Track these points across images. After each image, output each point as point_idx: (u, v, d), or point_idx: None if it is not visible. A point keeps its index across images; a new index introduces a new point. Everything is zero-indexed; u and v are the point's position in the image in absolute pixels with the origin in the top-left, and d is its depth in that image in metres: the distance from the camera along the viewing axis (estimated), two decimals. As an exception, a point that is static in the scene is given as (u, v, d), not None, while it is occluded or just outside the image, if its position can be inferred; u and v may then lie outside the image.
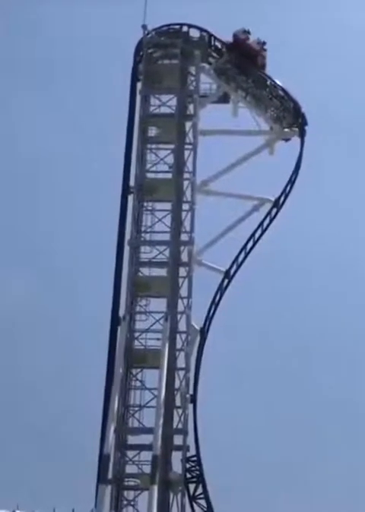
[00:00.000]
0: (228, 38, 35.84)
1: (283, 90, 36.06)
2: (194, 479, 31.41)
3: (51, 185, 48.91)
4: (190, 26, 35.72)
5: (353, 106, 47.54)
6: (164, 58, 35.46)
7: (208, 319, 33.79)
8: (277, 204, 35.23)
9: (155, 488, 28.03)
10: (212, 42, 35.86)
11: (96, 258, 39.67)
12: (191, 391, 31.97)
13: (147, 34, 35.37)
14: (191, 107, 34.96)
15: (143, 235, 33.34)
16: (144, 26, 35.06)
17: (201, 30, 35.75)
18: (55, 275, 46.53)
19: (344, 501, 35.96)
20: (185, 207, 33.57)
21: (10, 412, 40.25)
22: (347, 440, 41.05)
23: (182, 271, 32.94)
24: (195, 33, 35.75)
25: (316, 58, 48.38)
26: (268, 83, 36.08)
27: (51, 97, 50.20)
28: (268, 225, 35.14)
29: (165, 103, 34.55)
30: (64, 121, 49.71)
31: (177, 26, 35.75)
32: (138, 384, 31.58)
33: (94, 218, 44.56)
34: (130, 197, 33.50)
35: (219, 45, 35.87)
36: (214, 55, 35.94)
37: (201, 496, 31.30)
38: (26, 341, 43.84)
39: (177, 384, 31.60)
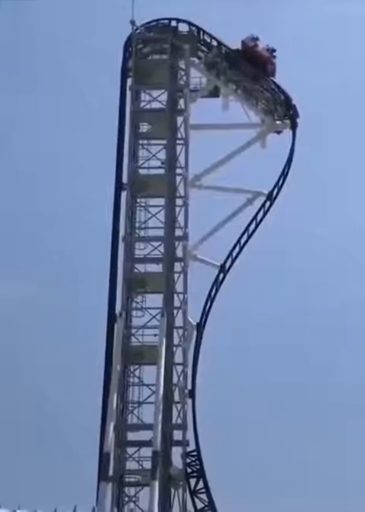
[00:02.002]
0: (218, 33, 35.59)
1: (273, 82, 36.03)
2: (194, 474, 31.42)
3: (44, 183, 48.87)
4: (179, 20, 35.64)
5: (346, 98, 47.57)
6: (154, 53, 35.39)
7: (204, 314, 33.79)
8: (271, 197, 35.21)
9: (156, 483, 28.06)
10: (201, 37, 35.78)
11: (91, 256, 39.62)
12: (189, 386, 31.98)
13: (136, 30, 35.28)
14: (181, 102, 34.91)
15: (137, 231, 33.32)
16: (132, 22, 34.97)
17: (190, 24, 35.68)
18: (50, 274, 46.50)
19: (346, 497, 36.02)
20: (179, 202, 33.55)
21: (9, 411, 40.21)
22: (348, 434, 41.07)
23: (178, 266, 32.92)
24: (183, 28, 35.68)
25: (308, 51, 48.38)
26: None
27: (40, 96, 50.10)
28: (261, 219, 35.13)
29: (155, 98, 34.50)
30: (55, 121, 49.64)
31: (166, 21, 35.66)
32: (136, 380, 31.58)
33: (88, 215, 44.54)
34: (123, 194, 33.47)
35: (208, 39, 35.80)
36: (204, 49, 35.87)
37: (202, 490, 31.32)
38: (24, 340, 43.83)
39: (175, 379, 31.62)
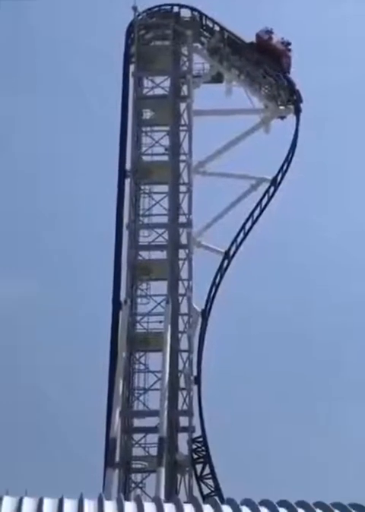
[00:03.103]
0: (221, 19, 35.27)
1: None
2: (201, 460, 31.48)
3: (48, 171, 48.82)
4: (181, 6, 35.45)
5: (351, 83, 47.29)
6: (156, 39, 35.24)
7: (209, 300, 33.78)
8: (275, 183, 35.07)
9: (162, 469, 28.12)
10: (204, 22, 35.58)
11: (96, 243, 39.62)
12: (195, 372, 32.02)
13: (138, 16, 35.11)
14: (184, 88, 34.76)
15: (141, 218, 33.27)
16: (134, 8, 34.80)
17: (192, 9, 35.49)
18: (55, 262, 46.52)
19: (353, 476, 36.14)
20: (183, 188, 33.45)
21: (15, 398, 40.35)
22: (351, 422, 41.07)
23: (182, 253, 32.87)
24: (186, 13, 35.49)
25: (313, 37, 48.08)
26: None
27: (42, 83, 49.97)
28: (266, 205, 35.00)
29: (158, 85, 34.36)
30: (59, 108, 49.53)
31: (168, 7, 35.48)
32: (142, 367, 31.63)
33: (92, 203, 44.51)
34: (127, 181, 33.39)
35: (210, 25, 35.58)
36: (206, 34, 35.67)
37: (209, 476, 31.39)
38: (30, 328, 43.91)
39: (181, 365, 31.65)
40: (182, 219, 33.13)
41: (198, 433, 31.42)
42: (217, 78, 36.11)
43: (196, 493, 30.59)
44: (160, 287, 32.15)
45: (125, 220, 32.86)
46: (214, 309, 33.72)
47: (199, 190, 33.65)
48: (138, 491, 30.11)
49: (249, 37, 35.56)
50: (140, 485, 30.35)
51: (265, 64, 35.20)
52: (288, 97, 35.93)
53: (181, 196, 33.34)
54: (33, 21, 48.16)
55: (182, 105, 34.34)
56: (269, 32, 35.17)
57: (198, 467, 31.42)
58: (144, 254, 32.78)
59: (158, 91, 34.38)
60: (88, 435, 34.58)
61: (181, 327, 32.04)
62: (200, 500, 15.69)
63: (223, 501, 15.63)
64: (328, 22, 49.28)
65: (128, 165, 33.48)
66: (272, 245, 42.08)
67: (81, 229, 45.91)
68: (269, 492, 16.09)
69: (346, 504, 15.62)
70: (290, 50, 35.56)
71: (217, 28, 35.50)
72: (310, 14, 48.60)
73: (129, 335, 31.26)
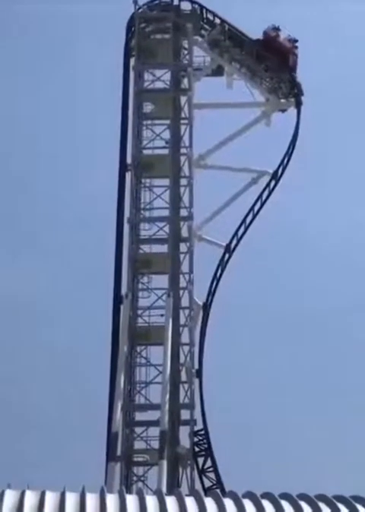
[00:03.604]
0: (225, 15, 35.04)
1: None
2: (202, 453, 31.54)
3: (48, 165, 48.77)
4: (181, -1, 35.34)
5: (352, 76, 47.17)
6: (156, 32, 35.11)
7: (211, 294, 33.78)
8: (276, 176, 35.03)
9: (164, 463, 28.16)
10: (204, 15, 35.48)
11: (96, 237, 39.62)
12: (196, 366, 32.05)
13: (138, 9, 35.01)
14: (185, 81, 34.69)
15: (142, 212, 33.24)
16: (134, 1, 34.70)
17: (192, 2, 35.37)
18: (55, 256, 46.52)
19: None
20: (183, 182, 33.41)
21: (16, 392, 40.41)
22: (351, 422, 41.02)
23: (183, 247, 32.86)
24: (186, 6, 35.39)
25: (314, 26, 47.82)
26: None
27: (42, 77, 49.89)
28: (267, 198, 34.97)
29: (159, 78, 34.29)
30: (59, 102, 49.43)
31: (168, 0, 35.37)
32: (143, 361, 31.64)
33: (93, 197, 44.45)
34: (128, 175, 33.35)
35: (211, 18, 35.48)
36: (207, 27, 35.57)
37: (211, 469, 31.45)
38: (30, 322, 43.93)
39: (182, 359, 31.66)
40: (183, 212, 33.11)
41: (199, 426, 31.48)
42: (218, 71, 36.02)
43: (198, 486, 30.66)
44: (161, 281, 32.18)
45: (126, 214, 32.86)
46: (215, 302, 33.74)
47: (200, 183, 33.65)
48: (140, 484, 30.17)
49: (253, 32, 35.44)
50: (142, 479, 30.41)
51: (270, 61, 35.03)
52: (289, 90, 35.85)
53: (182, 189, 33.30)
54: (32, 13, 48.02)
55: (183, 99, 34.28)
56: (276, 29, 35.04)
57: (200, 460, 31.48)
58: (145, 248, 32.76)
59: (159, 84, 34.34)
60: (90, 429, 34.66)
61: (182, 321, 32.05)
62: (202, 493, 15.71)
63: (224, 494, 15.65)
64: (330, 16, 49.15)
65: (128, 159, 33.46)
66: (273, 238, 42.09)
67: (82, 222, 45.90)
68: (271, 485, 16.11)
69: (347, 496, 15.65)
70: (296, 48, 35.41)
71: (217, 21, 35.41)
72: (312, 9, 48.44)
73: (130, 329, 31.27)
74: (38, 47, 50.30)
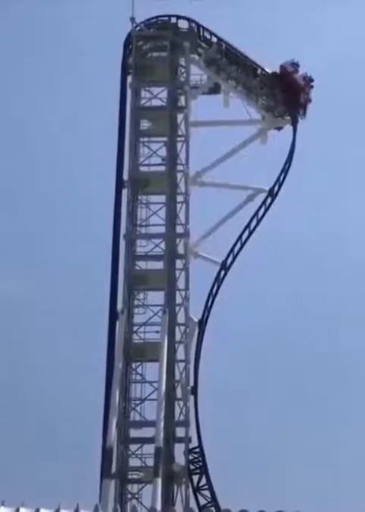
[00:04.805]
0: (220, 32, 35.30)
1: (273, 78, 35.94)
2: (197, 470, 31.43)
3: (46, 181, 48.87)
4: (178, 17, 35.60)
5: (349, 92, 47.48)
6: (153, 50, 35.36)
7: (206, 310, 33.80)
8: (272, 193, 35.21)
9: (159, 480, 28.08)
10: (201, 33, 35.72)
11: (93, 253, 39.65)
12: (191, 383, 32.01)
13: (136, 27, 35.26)
14: (182, 99, 34.89)
15: (138, 228, 33.33)
16: (132, 19, 34.95)
17: (189, 20, 35.63)
18: (52, 271, 46.50)
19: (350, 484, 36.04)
20: (180, 199, 33.55)
21: (12, 409, 40.25)
22: (350, 423, 41.03)
23: (179, 263, 32.93)
24: (183, 24, 35.63)
25: (311, 43, 48.17)
26: (259, 72, 36.02)
27: (41, 93, 50.10)
28: (263, 215, 35.13)
29: (156, 96, 34.50)
30: (57, 119, 49.64)
31: (165, 18, 35.62)
32: (139, 377, 31.61)
33: (89, 213, 44.53)
34: (124, 191, 33.47)
35: (208, 36, 35.72)
36: (204, 45, 35.82)
37: (205, 487, 31.33)
38: (25, 337, 43.82)
39: (177, 376, 31.63)
40: (180, 229, 33.21)
41: (194, 443, 31.40)
42: (215, 89, 36.24)
43: (192, 504, 30.56)
44: (156, 297, 32.22)
45: (123, 230, 32.93)
46: (210, 319, 33.75)
47: (196, 200, 33.76)
48: (134, 501, 30.05)
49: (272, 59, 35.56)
50: (136, 496, 30.30)
51: (282, 95, 35.18)
52: (285, 108, 36.07)
53: (178, 206, 33.43)
54: (29, 26, 48.39)
55: (180, 116, 34.47)
56: (295, 65, 35.27)
57: (195, 478, 31.37)
58: (141, 264, 32.83)
59: (156, 102, 34.53)
60: (85, 445, 34.50)
61: (178, 337, 32.06)
62: (196, 511, 15.66)
63: (219, 512, 15.58)
64: (324, 24, 49.58)
65: (125, 176, 33.59)
66: (269, 255, 42.16)
67: (79, 239, 45.93)
68: (266, 504, 16.08)
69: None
70: (311, 86, 35.54)
71: (214, 39, 35.66)
72: (306, 20, 48.92)
73: (126, 345, 31.26)
74: (37, 62, 50.57)
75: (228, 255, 34.42)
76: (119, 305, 32.01)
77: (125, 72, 35.26)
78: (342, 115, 47.34)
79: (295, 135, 35.79)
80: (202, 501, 31.18)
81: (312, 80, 35.66)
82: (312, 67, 36.18)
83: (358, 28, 48.76)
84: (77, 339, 41.79)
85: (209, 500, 31.15)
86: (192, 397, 31.80)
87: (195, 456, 31.47)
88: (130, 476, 30.59)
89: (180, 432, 31.05)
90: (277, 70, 35.78)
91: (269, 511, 15.50)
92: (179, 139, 34.13)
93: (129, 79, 34.94)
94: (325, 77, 44.88)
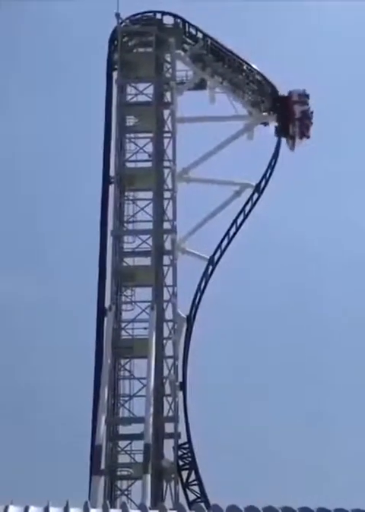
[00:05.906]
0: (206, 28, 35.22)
1: (260, 74, 35.99)
2: (186, 466, 31.48)
3: (31, 178, 48.68)
4: (164, 13, 35.55)
5: (335, 92, 47.56)
6: (139, 46, 35.30)
7: (194, 306, 33.84)
8: (259, 189, 35.29)
9: (148, 476, 28.06)
10: (186, 29, 35.70)
11: (80, 250, 39.55)
12: (180, 379, 32.03)
13: (121, 23, 35.17)
14: (168, 95, 34.86)
15: (125, 224, 33.29)
16: (117, 15, 34.87)
17: (175, 16, 35.60)
18: (39, 269, 46.37)
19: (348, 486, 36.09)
20: (167, 195, 33.53)
21: (0, 408, 40.11)
22: (350, 425, 41.02)
23: (166, 260, 32.90)
24: (169, 20, 35.59)
25: (299, 43, 48.33)
26: (245, 67, 36.03)
27: (25, 90, 49.84)
28: (250, 211, 35.20)
29: (142, 92, 34.44)
30: (42, 115, 49.43)
31: (151, 14, 35.57)
32: (127, 373, 31.59)
33: (76, 210, 44.42)
34: (111, 188, 33.40)
35: (193, 32, 35.68)
36: (189, 41, 35.78)
37: (195, 483, 31.39)
38: (13, 335, 43.67)
39: (166, 372, 31.63)
40: (167, 225, 33.19)
41: (183, 439, 31.41)
42: (201, 85, 36.23)
43: (182, 500, 30.58)
44: (144, 293, 32.19)
45: (110, 227, 32.87)
46: (198, 315, 33.79)
47: (183, 196, 33.75)
48: (124, 498, 30.03)
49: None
50: (125, 493, 30.28)
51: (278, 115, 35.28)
52: (271, 104, 36.09)
53: (165, 202, 33.40)
54: (12, 21, 48.09)
55: (166, 112, 34.44)
56: (305, 96, 35.00)
57: (184, 474, 31.40)
58: (129, 261, 32.78)
59: (141, 98, 34.47)
60: (73, 442, 34.46)
61: (166, 334, 32.05)
62: (186, 507, 15.69)
63: (208, 508, 15.64)
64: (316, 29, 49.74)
65: (112, 172, 33.51)
66: (256, 250, 42.23)
67: (65, 235, 45.81)
68: (255, 498, 16.12)
69: (331, 509, 15.69)
70: (311, 123, 35.02)
71: (199, 35, 35.64)
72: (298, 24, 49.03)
73: (114, 342, 31.22)
74: (20, 58, 50.30)
75: (215, 251, 34.47)
76: (107, 302, 31.96)
77: (110, 68, 35.17)
78: (330, 110, 47.44)
79: (281, 130, 35.81)
80: (192, 497, 31.23)
81: (312, 113, 35.12)
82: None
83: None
84: (65, 336, 41.74)
85: (198, 495, 31.21)
86: (180, 393, 31.82)
87: (184, 451, 31.50)
88: (119, 473, 30.58)
89: (169, 428, 31.04)
90: (286, 93, 35.55)
91: (258, 506, 15.55)
92: (165, 135, 34.10)
93: (115, 75, 34.86)
94: (319, 75, 45.14)
